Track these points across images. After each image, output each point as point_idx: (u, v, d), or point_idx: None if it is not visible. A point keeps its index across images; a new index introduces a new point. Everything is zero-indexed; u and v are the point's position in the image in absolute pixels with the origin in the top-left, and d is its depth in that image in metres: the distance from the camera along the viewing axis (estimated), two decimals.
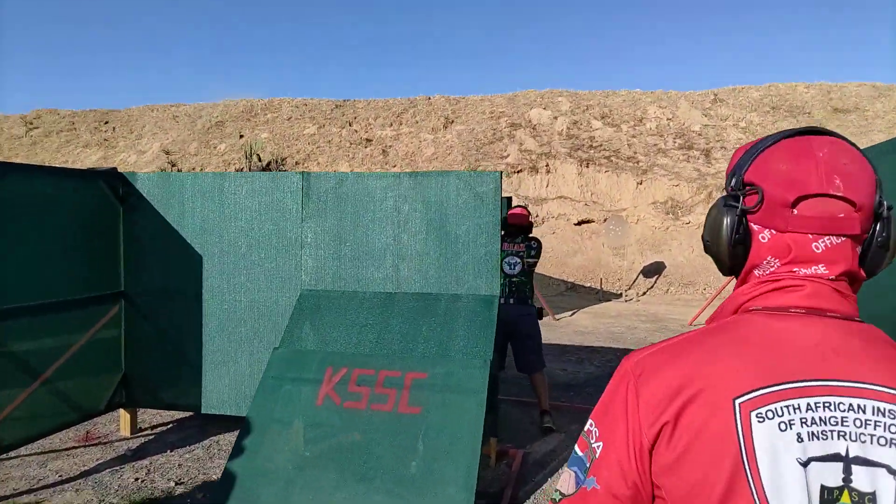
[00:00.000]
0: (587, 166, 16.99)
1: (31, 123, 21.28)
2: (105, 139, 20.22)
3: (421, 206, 3.99)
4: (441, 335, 3.76)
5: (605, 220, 15.32)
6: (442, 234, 3.97)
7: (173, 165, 17.42)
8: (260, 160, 17.09)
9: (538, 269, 13.99)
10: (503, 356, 4.91)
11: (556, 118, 19.30)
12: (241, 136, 19.43)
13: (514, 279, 4.82)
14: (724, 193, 0.91)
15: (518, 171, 16.85)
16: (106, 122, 21.10)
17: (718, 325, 0.85)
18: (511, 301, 4.80)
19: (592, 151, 17.69)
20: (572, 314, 10.72)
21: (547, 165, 17.04)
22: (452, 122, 19.62)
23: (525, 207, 5.16)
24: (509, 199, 9.23)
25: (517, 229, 4.92)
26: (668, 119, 19.46)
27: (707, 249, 0.93)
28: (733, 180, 0.88)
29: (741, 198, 0.86)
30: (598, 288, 13.29)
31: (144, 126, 20.71)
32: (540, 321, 4.90)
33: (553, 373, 6.43)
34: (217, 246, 4.26)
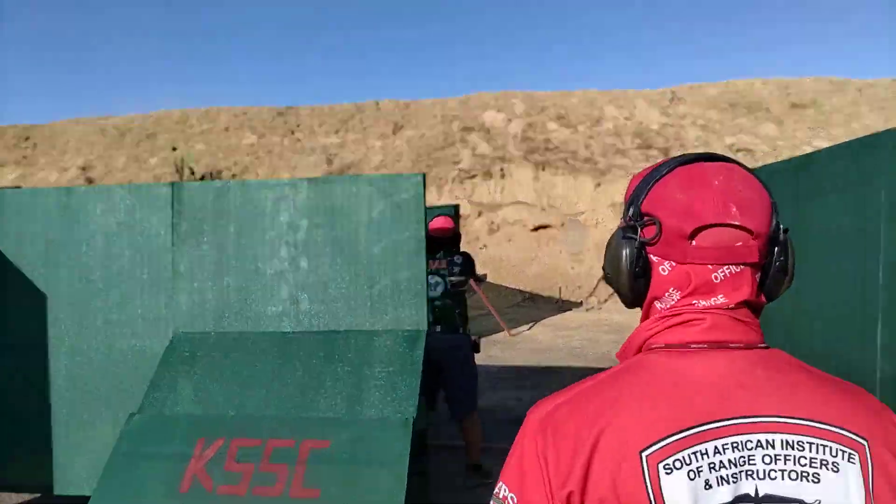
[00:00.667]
0: (543, 169, 16.36)
1: None
2: (24, 157, 18.75)
3: (324, 220, 3.13)
4: (350, 386, 2.90)
5: (562, 225, 14.68)
6: (352, 256, 3.12)
7: (90, 182, 16.12)
8: (193, 173, 15.97)
9: (494, 279, 13.23)
10: (434, 394, 4.07)
11: (510, 121, 18.65)
12: (175, 149, 18.23)
13: (437, 303, 3.97)
14: (622, 224, 0.88)
15: (472, 177, 16.11)
16: (27, 139, 19.62)
17: (623, 367, 0.83)
18: (437, 329, 3.95)
19: (549, 154, 17.08)
20: (530, 328, 9.97)
21: (501, 170, 16.34)
22: (402, 127, 18.79)
23: (449, 216, 4.33)
24: (457, 207, 8.43)
25: (439, 243, 4.08)
26: (625, 119, 19.01)
27: (608, 282, 0.90)
28: (631, 210, 0.86)
29: (639, 229, 0.84)
30: (558, 297, 12.59)
31: (68, 142, 19.31)
32: (476, 352, 4.08)
33: (506, 403, 5.62)
34: (66, 281, 3.32)
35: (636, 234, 0.84)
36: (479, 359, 7.76)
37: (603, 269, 0.92)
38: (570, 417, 0.77)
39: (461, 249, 4.26)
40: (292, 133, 19.18)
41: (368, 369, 2.96)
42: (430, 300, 3.92)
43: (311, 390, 2.91)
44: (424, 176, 3.09)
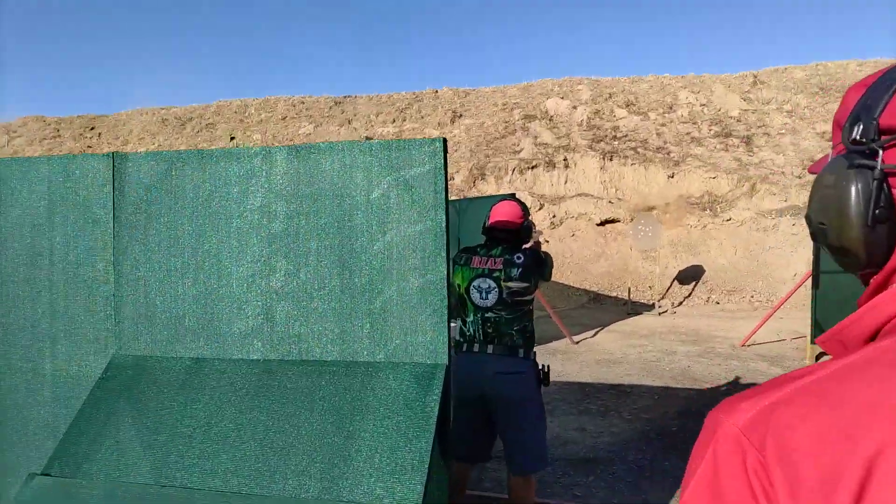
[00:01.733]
0: (611, 159, 15.08)
1: (15, 132, 20.02)
2: (89, 146, 18.84)
3: (309, 205, 2.23)
4: (331, 451, 2.00)
5: (632, 220, 13.39)
6: (346, 254, 2.21)
7: None
8: None
9: (555, 278, 12.14)
10: (482, 442, 3.06)
11: (575, 108, 17.41)
12: (232, 139, 17.89)
13: (490, 315, 2.89)
14: (838, 149, 0.66)
15: (533, 167, 15.01)
16: (92, 128, 19.75)
17: (866, 356, 0.55)
18: (487, 350, 2.88)
19: (616, 143, 15.78)
20: (595, 334, 8.87)
21: (565, 159, 15.17)
22: (461, 115, 17.85)
23: (517, 200, 3.17)
24: (512, 196, 7.43)
25: (502, 235, 3.03)
26: (701, 105, 17.45)
27: (821, 237, 0.66)
28: (858, 127, 0.62)
29: (878, 152, 0.59)
30: (626, 299, 11.38)
31: (131, 131, 19.30)
32: (545, 386, 2.96)
33: (566, 435, 4.60)
34: None
35: (874, 161, 0.59)
36: None
37: (809, 219, 0.69)
38: (805, 425, 0.52)
39: (527, 246, 3.09)
40: (349, 122, 18.55)
41: (360, 422, 2.04)
42: (480, 309, 2.92)
43: (277, 455, 2.01)
44: (445, 141, 2.13)
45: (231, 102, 20.62)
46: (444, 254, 2.12)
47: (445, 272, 2.13)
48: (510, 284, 2.86)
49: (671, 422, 4.86)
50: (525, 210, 3.07)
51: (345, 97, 20.34)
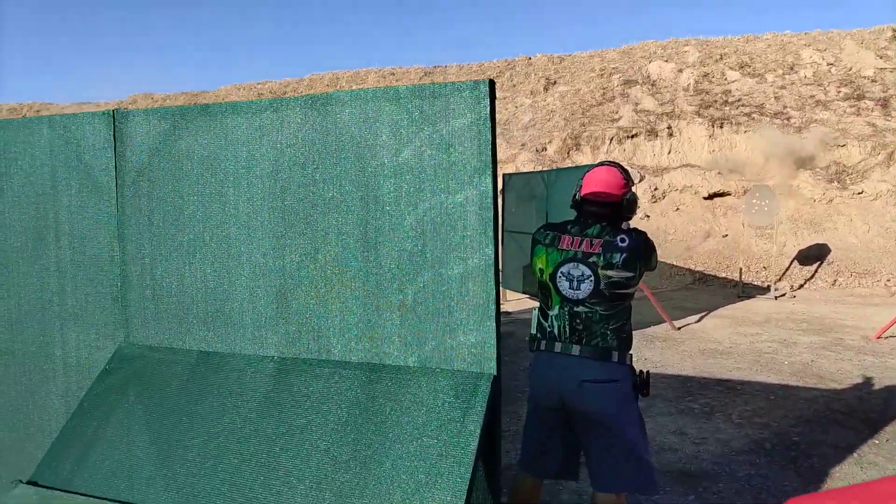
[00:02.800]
0: (720, 126, 13.78)
1: (127, 109, 21.14)
2: None
3: (328, 170, 1.79)
4: (347, 476, 1.58)
5: (745, 193, 12.15)
6: (371, 231, 1.76)
7: None
8: None
9: (658, 256, 11.24)
10: (559, 454, 2.46)
11: (680, 71, 16.06)
12: None
13: (581, 309, 2.29)
14: None
15: (633, 136, 13.98)
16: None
17: None
18: (571, 352, 2.29)
19: (727, 108, 14.39)
20: (700, 319, 8.02)
21: (669, 127, 14.01)
22: (555, 83, 16.96)
23: (617, 166, 2.47)
24: (611, 163, 6.73)
25: (599, 210, 2.38)
26: (828, 64, 15.59)
27: None
28: None
29: None
30: (737, 280, 10.32)
31: None
32: (643, 396, 2.38)
33: (663, 439, 3.99)
34: None
35: None
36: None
37: None
38: None
39: (631, 226, 2.41)
40: None
41: (382, 444, 1.61)
42: (569, 302, 2.31)
43: (280, 481, 1.63)
44: (493, 84, 1.61)
45: (323, 76, 20.74)
46: (491, 231, 1.62)
47: (493, 255, 1.64)
48: (610, 273, 2.24)
49: (791, 429, 4.12)
50: (627, 178, 2.40)
51: (434, 67, 19.91)
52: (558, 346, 2.33)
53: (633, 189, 2.44)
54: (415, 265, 1.71)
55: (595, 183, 2.39)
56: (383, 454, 1.58)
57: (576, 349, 2.30)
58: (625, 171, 2.43)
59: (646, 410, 4.51)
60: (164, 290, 2.03)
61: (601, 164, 2.48)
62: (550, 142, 14.34)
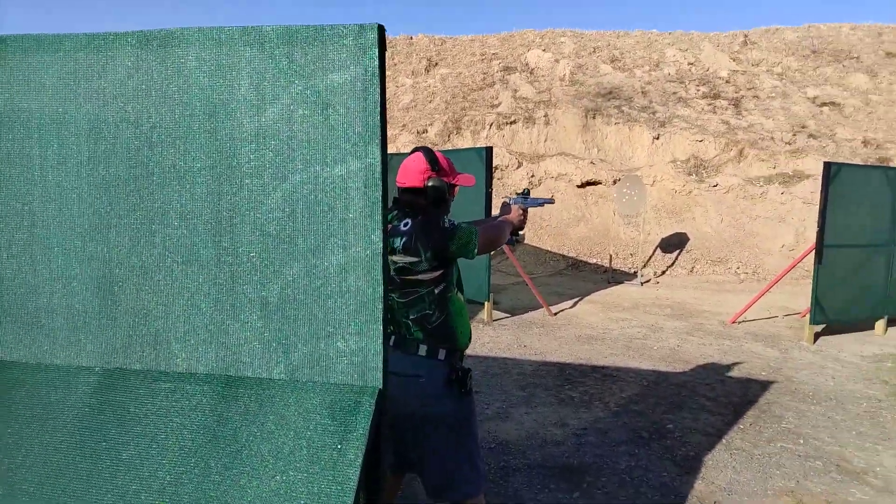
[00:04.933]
0: (593, 117, 14.26)
1: None
2: None
3: (167, 129, 1.40)
4: None
5: (615, 182, 12.68)
6: (225, 211, 1.40)
7: None
8: None
9: (533, 241, 11.44)
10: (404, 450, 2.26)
11: (557, 61, 16.46)
12: None
13: (389, 297, 2.04)
14: None
15: (512, 122, 14.13)
16: None
17: None
18: (390, 343, 2.16)
19: (600, 100, 14.93)
20: (574, 305, 8.19)
21: (546, 115, 14.30)
22: (436, 64, 16.78)
23: (427, 151, 2.25)
24: (489, 150, 6.61)
25: (404, 198, 2.24)
26: (689, 63, 16.63)
27: None
28: None
29: None
30: (607, 266, 10.73)
31: None
32: (462, 396, 2.16)
33: (545, 432, 3.91)
34: None
35: None
36: (510, 351, 6.07)
37: None
38: None
39: (445, 215, 2.23)
40: None
41: (234, 480, 1.27)
42: None
43: None
44: (383, 30, 1.30)
45: None
46: (378, 213, 1.32)
47: (381, 243, 1.33)
48: (395, 259, 2.10)
49: (665, 416, 4.19)
50: (434, 163, 2.20)
51: None
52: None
53: (439, 177, 2.19)
54: (281, 254, 1.37)
55: (400, 170, 2.24)
56: (237, 494, 1.25)
57: (391, 339, 2.18)
58: (431, 156, 2.21)
59: (528, 401, 4.43)
60: None
61: (413, 149, 2.28)
62: (431, 124, 14.16)
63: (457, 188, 2.29)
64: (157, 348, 1.46)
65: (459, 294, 2.23)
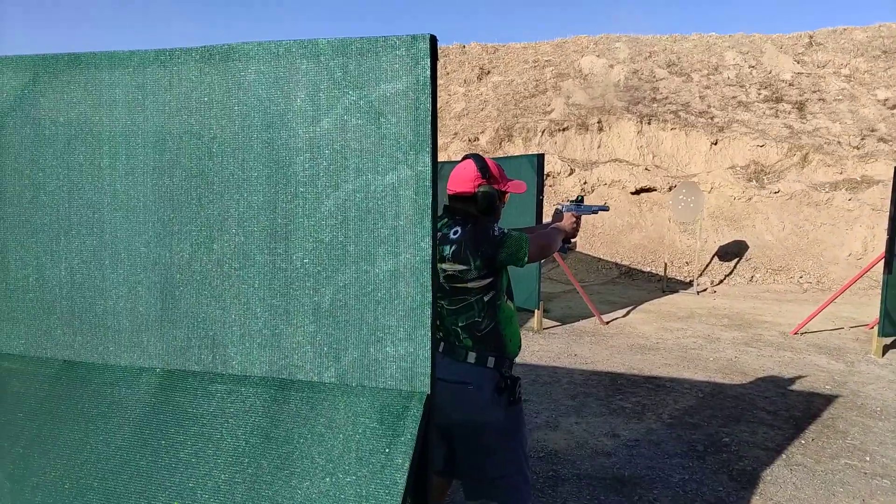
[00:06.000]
0: (649, 123, 14.00)
1: None
2: None
3: (227, 140, 1.46)
4: None
5: (670, 189, 12.40)
6: (280, 218, 1.45)
7: None
8: None
9: (585, 249, 11.29)
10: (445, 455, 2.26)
11: (611, 67, 16.24)
12: None
13: (438, 304, 2.18)
14: None
15: (564, 129, 14.01)
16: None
17: None
18: (439, 349, 2.18)
19: (656, 105, 14.65)
20: (627, 313, 8.04)
21: (599, 122, 14.12)
22: (488, 72, 16.80)
23: (477, 158, 2.24)
24: (540, 157, 6.57)
25: (455, 205, 2.24)
26: (750, 67, 16.14)
27: None
28: None
29: None
30: (662, 275, 10.49)
31: None
32: (511, 405, 2.15)
33: (595, 442, 3.85)
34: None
35: None
36: (560, 360, 5.98)
37: None
38: None
39: (496, 223, 2.23)
40: None
41: (285, 483, 1.31)
42: None
43: None
44: (435, 41, 1.32)
45: None
46: (428, 221, 1.34)
47: (431, 250, 1.35)
48: (444, 266, 2.12)
49: (721, 430, 4.07)
50: (484, 170, 2.19)
51: None
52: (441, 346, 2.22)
53: (490, 183, 2.18)
54: (334, 260, 1.40)
55: (451, 177, 2.25)
56: (288, 494, 1.28)
57: (441, 347, 2.20)
58: (482, 163, 2.21)
59: (578, 410, 4.38)
60: (19, 284, 1.63)
61: (464, 157, 2.28)
62: (483, 131, 14.18)
63: (508, 195, 2.29)
64: (214, 351, 1.51)
65: (510, 302, 2.23)
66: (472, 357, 2.14)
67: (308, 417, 1.39)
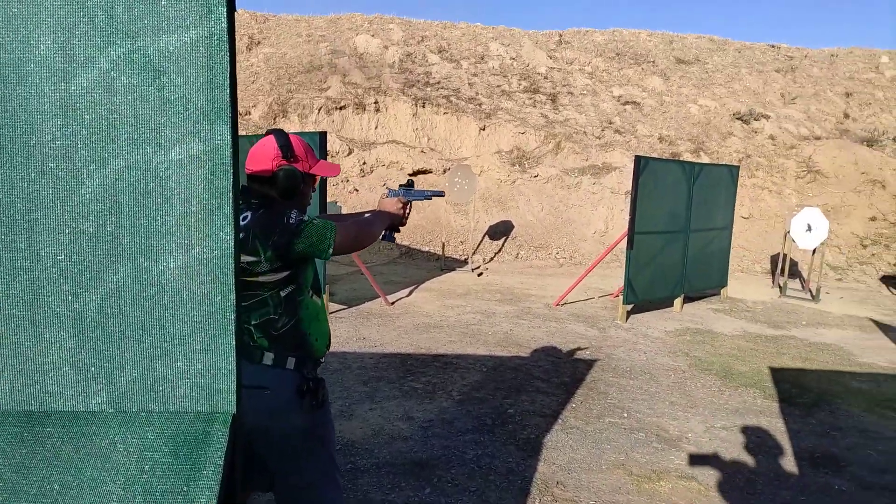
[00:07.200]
0: (423, 106, 14.41)
1: None
2: None
3: None
4: None
5: (445, 171, 12.94)
6: (23, 204, 1.09)
7: None
8: None
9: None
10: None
11: (386, 48, 16.38)
12: None
13: None
14: None
15: (341, 108, 13.81)
16: None
17: None
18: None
19: (429, 89, 15.12)
20: (410, 293, 8.21)
21: (376, 102, 14.17)
22: (259, 43, 15.90)
23: (279, 134, 1.96)
24: (322, 135, 6.34)
25: (254, 186, 1.97)
26: (511, 59, 17.43)
27: None
28: None
29: None
30: (440, 254, 10.92)
31: None
32: (315, 409, 1.95)
33: (392, 429, 3.82)
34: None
35: None
36: (349, 344, 5.86)
37: None
38: None
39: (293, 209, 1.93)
40: None
41: None
42: None
43: None
44: None
45: None
46: (229, 205, 1.10)
47: (232, 241, 1.12)
48: (244, 258, 1.87)
49: (505, 402, 4.31)
50: (286, 148, 1.93)
51: None
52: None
53: (291, 163, 1.93)
54: (101, 256, 1.10)
55: (249, 155, 1.98)
56: None
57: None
58: (284, 140, 1.94)
59: (372, 396, 4.31)
60: None
61: (267, 131, 2.00)
62: (255, 105, 13.39)
63: (318, 179, 2.07)
64: None
65: (315, 297, 2.02)
66: (268, 358, 1.90)
67: (72, 459, 1.08)
